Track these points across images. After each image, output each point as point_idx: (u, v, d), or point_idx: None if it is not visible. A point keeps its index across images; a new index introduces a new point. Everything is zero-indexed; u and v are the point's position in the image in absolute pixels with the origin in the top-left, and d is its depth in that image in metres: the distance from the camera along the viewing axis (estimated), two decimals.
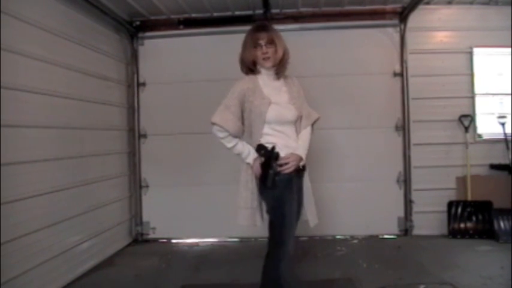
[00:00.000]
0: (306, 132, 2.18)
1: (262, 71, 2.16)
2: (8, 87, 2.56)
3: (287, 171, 2.02)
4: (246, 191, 2.12)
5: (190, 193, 4.38)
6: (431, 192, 4.25)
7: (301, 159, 2.09)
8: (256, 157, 2.08)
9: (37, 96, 2.87)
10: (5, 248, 2.45)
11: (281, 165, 2.02)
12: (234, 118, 2.09)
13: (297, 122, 2.17)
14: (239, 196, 2.14)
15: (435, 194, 4.24)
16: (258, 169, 2.06)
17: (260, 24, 2.23)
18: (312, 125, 2.23)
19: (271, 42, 2.09)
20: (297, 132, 2.17)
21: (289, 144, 2.10)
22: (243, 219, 2.12)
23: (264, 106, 2.06)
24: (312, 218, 2.18)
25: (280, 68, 2.16)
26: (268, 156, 2.02)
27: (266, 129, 2.08)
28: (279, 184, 2.00)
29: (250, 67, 2.16)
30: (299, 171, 2.11)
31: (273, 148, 2.03)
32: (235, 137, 2.12)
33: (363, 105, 4.32)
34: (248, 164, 2.12)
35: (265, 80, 2.16)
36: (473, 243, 3.89)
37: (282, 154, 2.04)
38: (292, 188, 2.06)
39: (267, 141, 2.07)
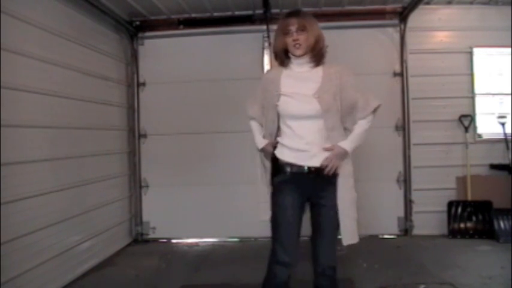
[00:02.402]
0: (360, 125, 1.98)
1: (293, 60, 2.01)
2: (8, 87, 2.56)
3: (330, 173, 1.91)
4: (262, 185, 2.07)
5: (190, 193, 4.38)
6: (431, 192, 4.24)
7: (345, 153, 1.92)
8: (267, 143, 2.04)
9: (37, 96, 2.87)
10: (5, 248, 2.45)
11: (325, 167, 1.90)
12: (260, 108, 2.10)
13: (330, 116, 1.92)
14: (258, 190, 2.08)
15: (435, 194, 4.23)
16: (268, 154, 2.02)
17: (292, 10, 2.12)
18: (372, 113, 2.04)
19: (302, 28, 1.93)
20: (332, 128, 1.93)
21: (298, 146, 1.93)
22: (263, 213, 2.04)
23: (275, 98, 1.97)
24: (346, 236, 2.00)
25: (314, 57, 1.98)
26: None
27: (281, 124, 2.00)
28: (274, 184, 1.99)
29: (281, 57, 2.03)
30: (309, 173, 1.92)
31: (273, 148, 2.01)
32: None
33: None
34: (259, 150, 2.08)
35: (293, 69, 2.02)
36: (473, 243, 3.89)
37: (286, 156, 1.95)
38: (284, 190, 1.96)
39: (280, 138, 2.00)
